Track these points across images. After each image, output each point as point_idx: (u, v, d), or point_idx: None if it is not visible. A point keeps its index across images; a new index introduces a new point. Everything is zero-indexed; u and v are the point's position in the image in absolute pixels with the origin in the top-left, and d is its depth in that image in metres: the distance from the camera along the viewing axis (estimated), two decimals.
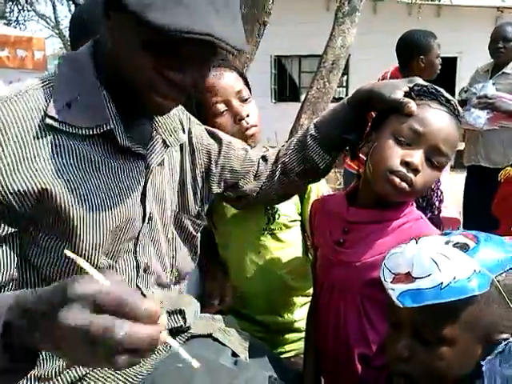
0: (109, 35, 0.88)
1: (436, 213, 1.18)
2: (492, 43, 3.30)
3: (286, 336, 1.53)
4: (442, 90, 1.05)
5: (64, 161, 0.86)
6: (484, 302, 0.81)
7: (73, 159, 0.88)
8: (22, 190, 0.82)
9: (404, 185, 1.00)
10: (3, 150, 0.80)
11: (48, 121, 0.85)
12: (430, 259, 0.82)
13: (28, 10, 15.48)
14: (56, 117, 0.85)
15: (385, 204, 1.08)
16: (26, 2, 14.61)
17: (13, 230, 0.84)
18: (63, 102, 0.87)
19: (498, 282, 0.81)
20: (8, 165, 0.81)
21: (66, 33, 16.14)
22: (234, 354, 1.10)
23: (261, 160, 1.27)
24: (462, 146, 3.70)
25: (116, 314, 0.56)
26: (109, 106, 0.90)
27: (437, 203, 1.18)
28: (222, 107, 1.39)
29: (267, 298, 1.47)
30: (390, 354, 0.91)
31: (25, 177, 0.82)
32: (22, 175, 0.82)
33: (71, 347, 0.57)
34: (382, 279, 0.88)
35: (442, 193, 1.18)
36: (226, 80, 1.41)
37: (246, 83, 1.46)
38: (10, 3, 14.39)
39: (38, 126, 0.84)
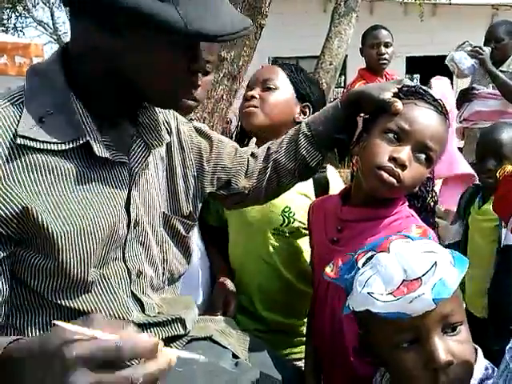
0: (123, 47, 0.86)
1: (431, 214, 1.19)
2: (486, 44, 3.34)
3: (289, 339, 1.53)
4: (429, 89, 1.10)
5: (41, 179, 0.85)
6: None
7: (50, 176, 0.86)
8: (2, 214, 0.81)
9: (392, 180, 1.03)
10: None
11: (19, 140, 0.83)
12: (420, 253, 0.82)
13: (26, 17, 15.51)
14: (27, 135, 0.83)
15: (376, 202, 1.11)
16: (24, 8, 14.64)
17: (4, 254, 0.84)
18: (35, 118, 0.85)
19: None
20: None
21: (65, 39, 16.14)
22: (235, 356, 1.10)
23: (250, 157, 1.27)
24: (461, 144, 3.71)
25: (121, 364, 0.56)
26: (83, 117, 0.89)
27: (431, 204, 1.19)
28: (246, 92, 1.52)
29: (272, 296, 1.48)
30: (426, 374, 0.81)
31: (3, 201, 0.81)
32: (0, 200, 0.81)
33: None
34: (379, 306, 0.79)
35: (436, 194, 1.20)
36: (260, 70, 1.56)
37: (293, 81, 1.52)
38: (8, 10, 14.42)
39: (10, 146, 0.82)
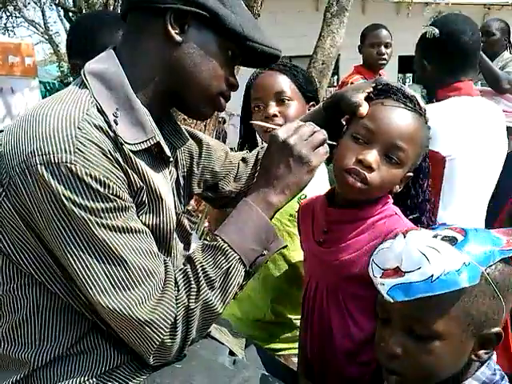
0: (177, 48, 0.93)
1: (426, 214, 1.17)
2: None
3: (287, 332, 1.54)
4: (401, 86, 1.07)
5: (137, 175, 0.90)
6: (475, 294, 0.81)
7: (138, 173, 0.90)
8: (137, 186, 0.90)
9: (358, 183, 1.02)
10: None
11: (119, 140, 0.87)
12: (418, 252, 0.82)
13: (17, 17, 15.38)
14: (121, 135, 0.87)
15: (359, 203, 1.09)
16: (15, 8, 14.53)
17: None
18: (112, 120, 0.88)
19: (488, 274, 0.81)
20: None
21: (56, 38, 16.07)
22: (231, 353, 1.10)
23: (241, 162, 1.29)
24: None
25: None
26: (149, 119, 0.92)
27: (424, 203, 1.17)
28: (257, 103, 1.55)
29: (278, 286, 1.50)
30: (381, 352, 0.90)
31: (136, 178, 0.90)
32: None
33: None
34: (371, 275, 0.89)
35: (429, 193, 1.18)
36: (267, 80, 1.56)
37: (299, 86, 1.55)
38: None
39: (110, 144, 0.85)
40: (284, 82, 1.55)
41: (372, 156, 1.01)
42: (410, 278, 0.81)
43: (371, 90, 1.08)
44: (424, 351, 0.84)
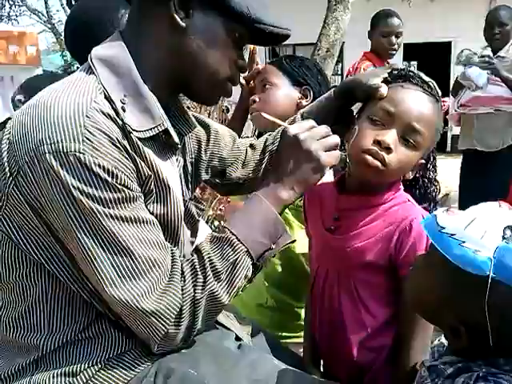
0: (183, 33, 0.92)
1: (432, 205, 1.18)
2: (487, 29, 3.29)
3: (289, 321, 1.56)
4: (419, 72, 1.08)
5: (145, 163, 0.90)
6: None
7: (146, 161, 0.90)
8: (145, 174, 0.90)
9: (377, 163, 1.01)
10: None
11: (127, 127, 0.87)
12: (475, 217, 0.76)
13: (19, 5, 15.31)
14: (129, 123, 0.87)
15: (371, 189, 1.10)
16: None
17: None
18: (119, 107, 0.88)
19: (496, 281, 0.71)
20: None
21: (59, 27, 15.97)
22: (237, 338, 1.11)
23: (249, 148, 1.29)
24: (457, 130, 3.71)
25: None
26: (157, 105, 0.92)
27: (434, 193, 1.18)
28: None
29: (279, 274, 1.52)
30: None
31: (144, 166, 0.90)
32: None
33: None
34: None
35: (438, 183, 1.19)
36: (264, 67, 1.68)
37: (284, 70, 1.61)
38: None
39: (118, 132, 0.86)
40: (268, 71, 1.64)
41: (391, 137, 1.01)
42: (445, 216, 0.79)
43: (386, 75, 1.09)
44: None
